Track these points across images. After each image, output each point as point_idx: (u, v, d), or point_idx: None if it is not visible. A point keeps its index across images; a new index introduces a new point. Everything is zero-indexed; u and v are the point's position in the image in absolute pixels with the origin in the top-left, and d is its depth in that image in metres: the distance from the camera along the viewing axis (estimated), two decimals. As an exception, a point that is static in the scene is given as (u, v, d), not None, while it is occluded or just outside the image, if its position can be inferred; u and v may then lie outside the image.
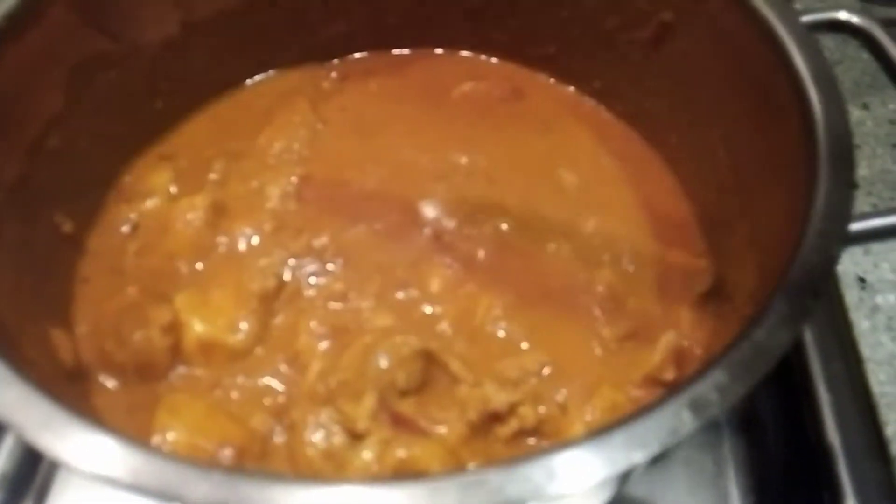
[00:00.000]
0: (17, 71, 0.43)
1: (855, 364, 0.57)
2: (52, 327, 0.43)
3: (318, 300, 0.48)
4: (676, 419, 0.27)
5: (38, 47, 0.44)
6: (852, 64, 0.78)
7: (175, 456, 0.30)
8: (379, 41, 0.59)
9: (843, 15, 0.46)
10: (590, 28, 0.54)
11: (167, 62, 0.53)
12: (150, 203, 0.51)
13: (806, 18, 0.46)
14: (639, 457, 0.26)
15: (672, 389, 0.28)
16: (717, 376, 0.28)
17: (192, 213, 0.50)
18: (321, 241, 0.50)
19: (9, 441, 0.51)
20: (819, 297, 0.31)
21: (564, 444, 0.27)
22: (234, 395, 0.44)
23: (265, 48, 0.58)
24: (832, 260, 0.32)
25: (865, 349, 0.59)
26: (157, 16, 0.51)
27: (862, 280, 0.63)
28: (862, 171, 0.71)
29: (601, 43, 0.54)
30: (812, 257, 0.32)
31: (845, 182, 0.36)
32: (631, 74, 0.54)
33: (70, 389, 0.41)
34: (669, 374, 0.42)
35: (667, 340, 0.43)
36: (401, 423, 0.41)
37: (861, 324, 0.61)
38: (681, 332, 0.45)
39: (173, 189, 0.52)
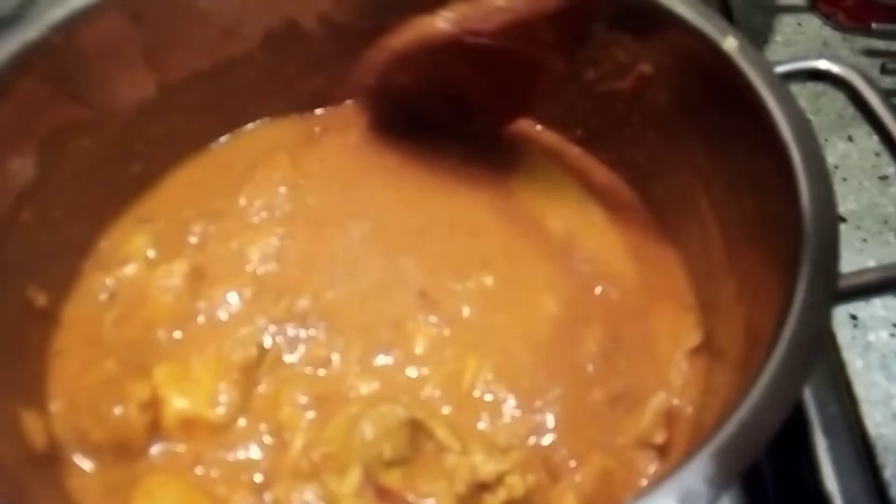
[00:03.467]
0: (-13, 146, 0.43)
1: (850, 405, 0.56)
2: (23, 409, 0.42)
3: (300, 367, 0.47)
4: (664, 517, 0.26)
5: (8, 119, 0.44)
6: (835, 95, 0.77)
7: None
8: (357, 94, 0.59)
9: (822, 64, 0.45)
10: (570, 79, 0.54)
11: (143, 125, 0.52)
12: (128, 270, 0.50)
13: (786, 67, 0.45)
14: (626, 558, 0.25)
15: (657, 477, 0.27)
16: (705, 465, 0.27)
17: (170, 279, 0.49)
18: (302, 304, 0.49)
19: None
20: (809, 373, 0.30)
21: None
22: (215, 472, 0.43)
23: (242, 106, 0.57)
24: (822, 330, 0.32)
25: (860, 389, 0.58)
26: (132, 80, 0.51)
27: (854, 317, 0.62)
28: (849, 204, 0.70)
29: (582, 93, 0.54)
30: (800, 329, 0.31)
31: (829, 242, 0.35)
32: (612, 124, 0.54)
33: (40, 475, 0.39)
34: (660, 438, 0.41)
35: (657, 402, 0.42)
36: (387, 498, 0.40)
37: (854, 363, 0.60)
38: (671, 392, 0.44)
39: (151, 253, 0.51)
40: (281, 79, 0.57)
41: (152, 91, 0.52)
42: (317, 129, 0.59)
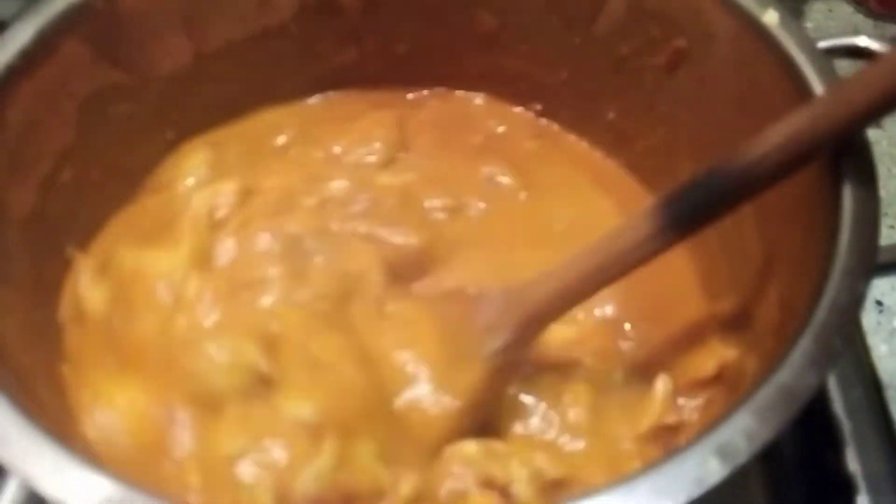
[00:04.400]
0: (30, 106, 0.43)
1: (874, 390, 0.56)
2: (63, 363, 0.43)
3: None
4: (703, 468, 0.26)
5: (51, 81, 0.44)
6: (865, 83, 0.78)
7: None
8: (389, 70, 0.59)
9: (862, 41, 0.45)
10: (602, 54, 0.54)
11: (178, 93, 0.53)
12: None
13: (824, 44, 0.46)
14: (665, 507, 0.26)
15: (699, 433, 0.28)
16: (744, 421, 0.28)
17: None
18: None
19: (13, 485, 0.50)
20: (848, 337, 0.30)
21: (586, 492, 0.26)
22: None
23: (276, 77, 0.57)
24: (860, 299, 0.32)
25: (884, 375, 0.58)
26: (170, 47, 0.51)
27: (879, 303, 0.62)
28: (878, 191, 0.70)
29: (614, 69, 0.54)
30: (839, 296, 0.31)
31: (870, 214, 0.36)
32: (644, 101, 0.54)
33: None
34: (671, 418, 0.42)
35: (663, 384, 0.42)
36: None
37: (879, 348, 0.60)
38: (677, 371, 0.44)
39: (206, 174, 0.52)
40: (314, 51, 0.57)
41: (188, 60, 0.53)
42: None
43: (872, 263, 0.33)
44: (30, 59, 0.43)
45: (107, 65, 0.48)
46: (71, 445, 0.30)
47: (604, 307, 0.48)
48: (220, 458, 0.39)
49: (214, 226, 0.47)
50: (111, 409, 0.40)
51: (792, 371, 0.29)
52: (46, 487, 0.28)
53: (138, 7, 0.48)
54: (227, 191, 0.49)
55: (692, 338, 0.46)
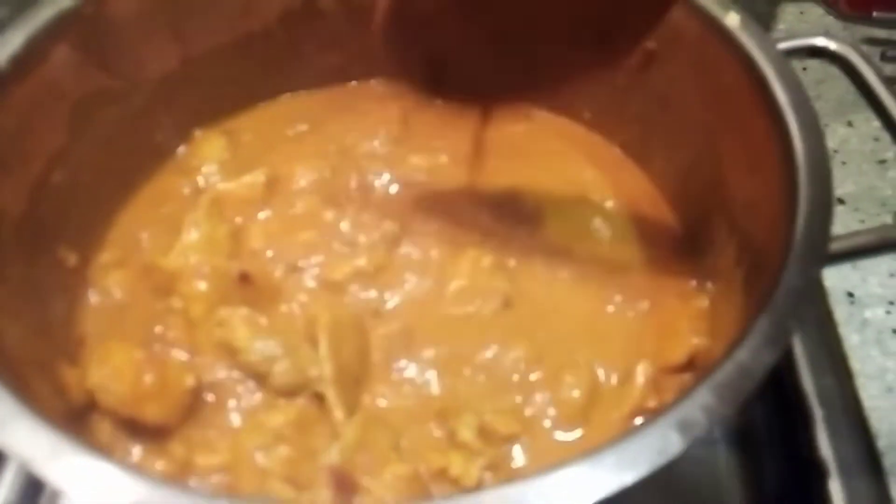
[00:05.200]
0: (22, 109, 0.45)
1: (846, 378, 0.58)
2: (61, 364, 0.43)
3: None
4: (664, 440, 0.28)
5: (42, 86, 0.46)
6: (835, 82, 0.80)
7: (182, 486, 0.31)
8: (372, 72, 0.60)
9: (820, 41, 0.47)
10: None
11: (166, 97, 0.54)
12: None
13: (785, 44, 0.47)
14: (629, 478, 0.27)
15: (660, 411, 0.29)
16: (703, 397, 0.29)
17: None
18: None
19: (10, 473, 0.50)
20: (801, 318, 0.32)
21: (555, 465, 0.28)
22: None
23: (261, 80, 0.59)
24: (813, 282, 0.33)
25: (855, 363, 0.60)
26: (157, 51, 0.53)
27: (850, 295, 0.64)
28: (848, 188, 0.72)
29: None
30: (794, 280, 0.33)
31: (824, 205, 0.37)
32: (618, 100, 0.55)
33: (75, 427, 0.41)
34: (652, 402, 0.43)
35: (642, 370, 0.44)
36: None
37: (851, 338, 0.62)
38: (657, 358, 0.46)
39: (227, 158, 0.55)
40: (298, 54, 0.58)
41: (176, 64, 0.54)
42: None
43: (824, 250, 0.35)
44: (20, 64, 0.44)
45: (96, 69, 0.49)
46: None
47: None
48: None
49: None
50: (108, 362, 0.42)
51: (749, 350, 0.31)
52: (45, 471, 0.29)
53: (126, 13, 0.49)
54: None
55: (668, 328, 0.48)
